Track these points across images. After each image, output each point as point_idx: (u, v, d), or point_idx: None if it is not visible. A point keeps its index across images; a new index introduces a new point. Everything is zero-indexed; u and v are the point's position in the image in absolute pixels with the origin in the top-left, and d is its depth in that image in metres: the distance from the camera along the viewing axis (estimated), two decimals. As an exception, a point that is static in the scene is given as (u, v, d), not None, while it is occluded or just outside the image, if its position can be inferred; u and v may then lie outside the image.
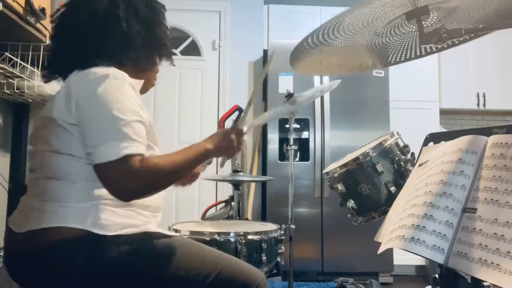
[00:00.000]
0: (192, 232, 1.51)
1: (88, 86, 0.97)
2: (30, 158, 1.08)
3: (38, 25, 1.96)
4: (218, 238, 1.47)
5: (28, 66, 2.08)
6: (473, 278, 0.78)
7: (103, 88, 0.96)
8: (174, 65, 1.26)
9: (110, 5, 1.09)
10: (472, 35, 1.04)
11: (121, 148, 0.91)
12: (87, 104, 0.96)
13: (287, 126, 3.15)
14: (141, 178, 0.93)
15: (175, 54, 1.24)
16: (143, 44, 1.12)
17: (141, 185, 0.94)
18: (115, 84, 0.98)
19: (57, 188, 0.99)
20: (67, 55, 1.09)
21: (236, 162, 2.47)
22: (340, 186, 1.36)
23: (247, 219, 2.80)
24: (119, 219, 1.00)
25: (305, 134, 3.22)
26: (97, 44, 1.07)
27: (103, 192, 0.99)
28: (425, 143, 1.10)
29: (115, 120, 0.93)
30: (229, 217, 2.24)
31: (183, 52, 3.61)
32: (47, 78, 1.15)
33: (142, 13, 1.13)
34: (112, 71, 1.00)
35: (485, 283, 0.78)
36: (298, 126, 3.21)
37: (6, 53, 1.99)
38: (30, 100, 2.48)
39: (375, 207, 1.31)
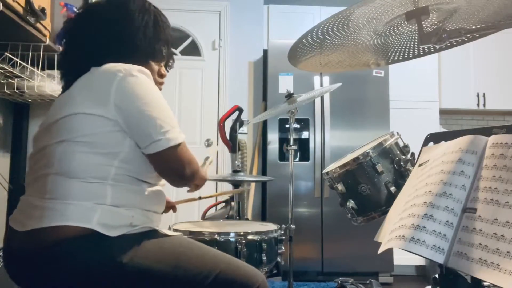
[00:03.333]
0: (192, 232, 1.51)
1: (124, 84, 1.02)
2: (33, 156, 1.08)
3: (38, 25, 1.95)
4: (218, 238, 1.47)
5: (28, 66, 2.08)
6: (473, 278, 0.78)
7: (140, 87, 1.04)
8: (170, 67, 1.32)
9: (137, 11, 1.15)
10: (471, 36, 1.04)
11: (181, 134, 1.07)
12: (132, 104, 1.02)
13: (287, 126, 3.16)
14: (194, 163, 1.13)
15: (163, 60, 1.26)
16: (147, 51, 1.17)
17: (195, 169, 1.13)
18: (146, 80, 1.06)
19: (63, 185, 0.98)
20: (83, 54, 1.12)
21: (236, 163, 2.47)
22: (340, 186, 1.36)
23: (247, 219, 2.80)
24: (123, 219, 1.01)
25: (305, 134, 3.22)
26: (111, 46, 1.11)
27: (109, 191, 0.99)
28: (425, 143, 1.10)
29: (165, 114, 1.05)
30: (229, 217, 2.24)
31: (183, 52, 3.62)
32: (66, 79, 1.15)
33: (159, 24, 1.19)
34: (138, 67, 1.06)
35: (485, 283, 0.78)
36: (298, 126, 3.22)
37: (6, 53, 1.99)
38: (30, 100, 2.48)
39: (375, 207, 1.31)
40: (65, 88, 1.12)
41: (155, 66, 1.22)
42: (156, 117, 1.03)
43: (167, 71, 1.30)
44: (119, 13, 1.14)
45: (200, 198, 1.65)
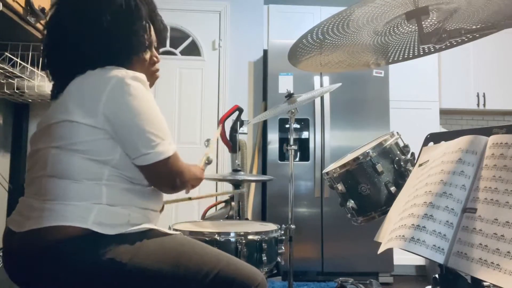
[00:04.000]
0: (192, 232, 1.51)
1: (115, 93, 0.99)
2: (31, 157, 1.08)
3: (38, 25, 1.96)
4: (218, 238, 1.47)
5: (28, 66, 2.08)
6: (473, 278, 0.78)
7: (132, 97, 1.00)
8: (160, 46, 1.24)
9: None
10: (471, 36, 1.04)
11: (171, 146, 1.05)
12: (122, 115, 1.00)
13: (287, 126, 3.16)
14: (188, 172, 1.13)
15: (151, 45, 1.17)
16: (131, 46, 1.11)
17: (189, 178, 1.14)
18: (139, 89, 1.02)
19: (59, 186, 0.99)
20: (72, 57, 1.08)
21: (236, 162, 2.47)
22: (340, 186, 1.36)
23: (247, 219, 2.80)
24: (120, 218, 1.01)
25: (305, 134, 3.22)
26: (103, 46, 1.07)
27: (104, 191, 0.99)
28: (425, 143, 1.10)
29: (156, 125, 1.03)
30: (229, 217, 2.24)
31: (183, 52, 3.62)
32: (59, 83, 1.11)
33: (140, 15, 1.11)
34: (132, 74, 1.02)
35: (485, 283, 0.78)
36: (298, 126, 3.21)
37: (6, 53, 1.99)
38: (30, 100, 2.48)
39: (375, 207, 1.31)
40: (56, 89, 1.09)
41: (143, 56, 1.15)
42: (146, 130, 1.01)
43: (162, 44, 1.23)
44: (83, 12, 1.06)
45: (190, 198, 1.64)
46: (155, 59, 1.20)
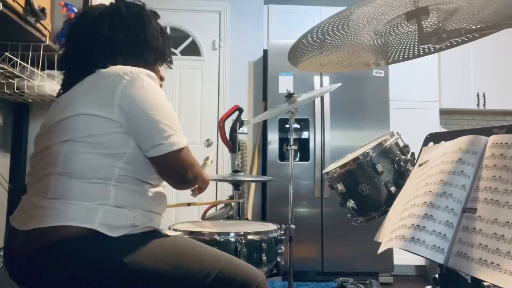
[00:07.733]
0: (192, 232, 1.51)
1: (129, 86, 1.03)
2: (36, 155, 1.08)
3: (38, 25, 1.95)
4: (218, 238, 1.47)
5: (28, 66, 2.08)
6: (473, 278, 0.78)
7: (145, 90, 1.05)
8: (171, 68, 1.35)
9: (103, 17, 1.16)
10: (471, 36, 1.04)
11: (183, 138, 1.09)
12: (136, 106, 1.03)
13: (287, 126, 3.16)
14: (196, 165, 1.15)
15: (171, 63, 1.27)
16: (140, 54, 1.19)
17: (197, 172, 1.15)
18: (152, 84, 1.08)
19: (66, 185, 0.99)
20: (86, 55, 1.11)
21: (236, 162, 2.47)
22: (340, 186, 1.36)
23: (247, 219, 2.80)
24: (126, 220, 1.01)
25: (305, 134, 3.22)
26: (125, 48, 1.14)
27: (112, 192, 1.00)
28: (425, 143, 1.10)
29: (169, 118, 1.07)
30: (229, 217, 2.24)
31: (183, 52, 3.62)
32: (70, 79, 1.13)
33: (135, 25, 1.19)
34: (145, 71, 1.07)
35: (485, 283, 0.78)
36: (298, 126, 3.22)
37: (6, 53, 1.99)
38: (30, 100, 2.48)
39: (375, 207, 1.31)
40: (67, 86, 1.11)
41: (160, 68, 1.27)
42: (160, 121, 1.03)
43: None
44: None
45: (189, 204, 1.66)
46: (163, 75, 1.31)
